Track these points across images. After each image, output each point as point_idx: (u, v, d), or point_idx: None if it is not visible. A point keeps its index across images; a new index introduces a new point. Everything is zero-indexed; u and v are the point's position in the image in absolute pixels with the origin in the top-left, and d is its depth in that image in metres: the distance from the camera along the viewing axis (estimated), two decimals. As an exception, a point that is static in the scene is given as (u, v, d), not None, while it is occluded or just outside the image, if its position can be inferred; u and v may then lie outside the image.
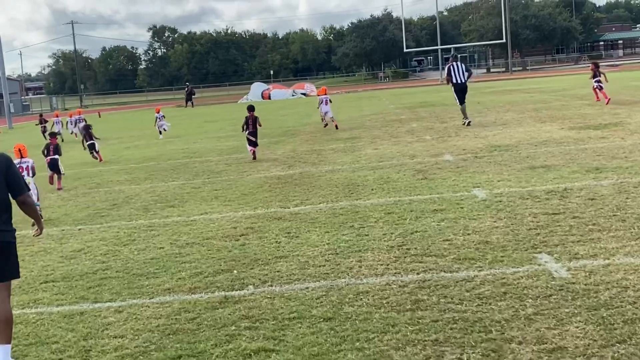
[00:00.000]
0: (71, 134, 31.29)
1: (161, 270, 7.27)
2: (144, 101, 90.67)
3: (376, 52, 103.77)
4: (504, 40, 71.99)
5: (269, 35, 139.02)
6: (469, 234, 7.54)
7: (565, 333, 4.78)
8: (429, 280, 6.13)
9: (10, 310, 5.09)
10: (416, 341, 4.85)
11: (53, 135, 15.94)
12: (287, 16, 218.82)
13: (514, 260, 6.50)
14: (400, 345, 4.81)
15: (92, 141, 19.48)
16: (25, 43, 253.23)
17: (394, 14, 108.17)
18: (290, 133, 23.18)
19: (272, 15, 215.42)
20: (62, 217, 11.06)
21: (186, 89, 64.40)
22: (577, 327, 4.86)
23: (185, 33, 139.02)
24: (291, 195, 11.06)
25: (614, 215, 7.85)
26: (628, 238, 6.90)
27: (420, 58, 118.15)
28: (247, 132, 16.33)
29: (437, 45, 74.89)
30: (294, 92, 65.90)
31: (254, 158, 16.17)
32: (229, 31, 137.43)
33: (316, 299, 5.91)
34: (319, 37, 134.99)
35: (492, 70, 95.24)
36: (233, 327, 5.43)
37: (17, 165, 11.03)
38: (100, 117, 44.03)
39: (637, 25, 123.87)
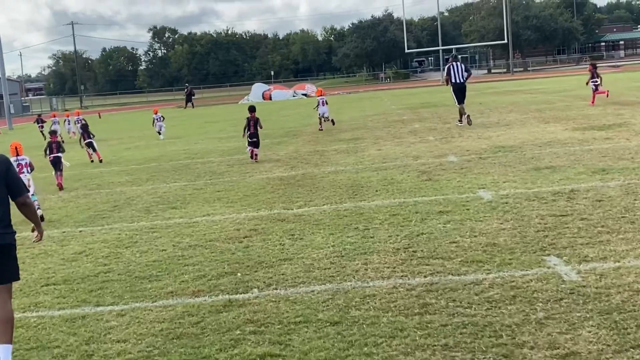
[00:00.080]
0: (68, 133, 31.20)
1: (164, 273, 7.17)
2: (144, 102, 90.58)
3: (377, 52, 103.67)
4: (505, 41, 71.92)
5: (269, 36, 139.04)
6: (475, 236, 7.44)
7: (577, 338, 4.68)
8: (436, 283, 6.03)
9: (11, 311, 5.04)
10: (425, 346, 4.75)
11: (53, 133, 15.88)
12: (287, 17, 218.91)
13: (523, 262, 6.40)
14: (409, 350, 4.71)
15: (90, 140, 19.41)
16: (26, 44, 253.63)
17: (395, 15, 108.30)
18: (292, 134, 23.09)
19: (272, 16, 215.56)
20: (63, 218, 10.96)
21: (186, 89, 64.33)
22: (589, 332, 4.76)
23: (186, 34, 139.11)
24: (294, 196, 10.96)
25: (622, 217, 7.74)
26: (638, 240, 6.79)
27: (421, 59, 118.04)
28: (247, 133, 16.23)
29: (438, 45, 74.83)
30: (294, 92, 65.84)
31: (254, 159, 16.02)
32: (229, 32, 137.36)
33: (322, 302, 5.81)
34: (320, 38, 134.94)
35: (493, 71, 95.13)
36: (238, 332, 5.33)
37: (16, 163, 11.10)
38: (100, 117, 43.97)
39: (639, 26, 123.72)
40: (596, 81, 23.44)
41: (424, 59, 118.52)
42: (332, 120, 24.06)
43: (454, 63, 20.44)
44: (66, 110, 60.05)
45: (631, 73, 50.78)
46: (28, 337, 5.64)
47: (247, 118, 16.45)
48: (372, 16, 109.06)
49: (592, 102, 23.12)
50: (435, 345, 4.74)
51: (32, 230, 5.52)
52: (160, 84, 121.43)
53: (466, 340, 4.79)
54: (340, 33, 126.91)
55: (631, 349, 4.45)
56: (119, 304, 6.27)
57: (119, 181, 14.83)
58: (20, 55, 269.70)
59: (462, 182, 10.80)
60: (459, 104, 20.22)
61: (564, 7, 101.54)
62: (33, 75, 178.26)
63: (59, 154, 14.77)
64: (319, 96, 24.24)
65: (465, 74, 20.19)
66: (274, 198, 10.99)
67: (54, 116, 32.89)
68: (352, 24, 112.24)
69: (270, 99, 63.31)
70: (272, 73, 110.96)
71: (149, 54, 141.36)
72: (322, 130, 22.94)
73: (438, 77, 71.18)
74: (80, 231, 9.79)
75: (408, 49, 74.32)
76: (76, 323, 5.87)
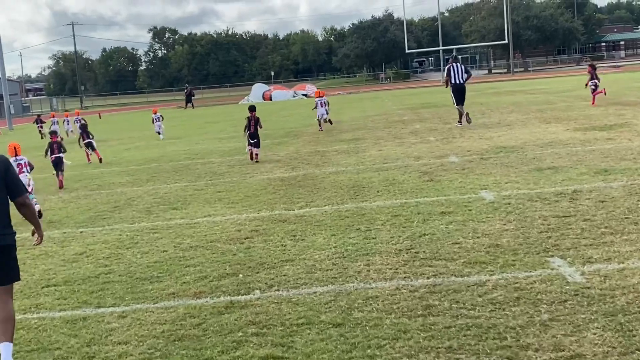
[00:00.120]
0: (67, 133, 31.19)
1: (165, 274, 7.13)
2: (145, 102, 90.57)
3: (377, 53, 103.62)
4: (506, 41, 71.90)
5: (269, 36, 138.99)
6: (478, 237, 7.40)
7: (582, 340, 4.64)
8: (439, 284, 5.99)
9: (12, 311, 5.06)
10: (429, 348, 4.71)
11: (54, 133, 15.87)
12: (287, 17, 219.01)
13: (526, 264, 6.36)
14: (412, 352, 4.68)
15: (89, 140, 19.37)
16: (26, 44, 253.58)
17: (395, 15, 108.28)
18: (292, 134, 23.05)
19: (272, 17, 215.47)
20: (64, 219, 10.92)
21: (185, 90, 64.29)
22: (594, 334, 4.72)
23: (186, 34, 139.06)
24: (295, 197, 10.92)
25: (625, 217, 7.70)
26: (642, 241, 6.75)
27: (421, 59, 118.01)
28: (247, 133, 16.22)
29: (438, 46, 74.80)
30: (295, 93, 65.80)
31: (254, 159, 15.99)
32: (229, 32, 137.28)
33: (324, 304, 5.77)
34: (320, 38, 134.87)
35: (493, 71, 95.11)
36: (240, 333, 5.29)
37: (15, 163, 11.10)
38: (100, 118, 43.98)
39: (639, 26, 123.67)
40: (595, 82, 23.44)
41: (424, 59, 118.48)
42: (330, 120, 24.13)
43: (454, 64, 20.52)
44: (66, 111, 60.02)
45: (632, 73, 50.72)
46: (29, 339, 5.60)
47: (248, 117, 16.42)
48: (372, 16, 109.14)
49: (593, 103, 23.07)
50: (439, 348, 4.70)
51: (32, 234, 5.47)
52: (161, 85, 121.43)
53: (470, 342, 4.75)
54: (341, 33, 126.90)
55: (637, 351, 4.41)
56: (120, 306, 6.24)
57: (119, 182, 14.79)
58: (21, 55, 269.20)
59: (463, 182, 10.76)
60: (457, 104, 20.27)
61: (564, 7, 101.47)
62: (33, 76, 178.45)
63: (61, 155, 14.77)
64: (317, 97, 24.37)
65: (465, 75, 20.21)
66: (275, 199, 10.95)
67: (53, 116, 32.90)
68: (352, 24, 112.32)
69: (271, 99, 63.28)
70: (272, 73, 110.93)
71: (149, 55, 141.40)
72: (321, 131, 22.91)
73: (438, 77, 71.14)
74: (81, 232, 9.75)
75: (408, 49, 74.30)
76: (77, 325, 5.83)
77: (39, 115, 35.48)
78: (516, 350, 4.57)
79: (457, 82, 20.04)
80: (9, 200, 5.13)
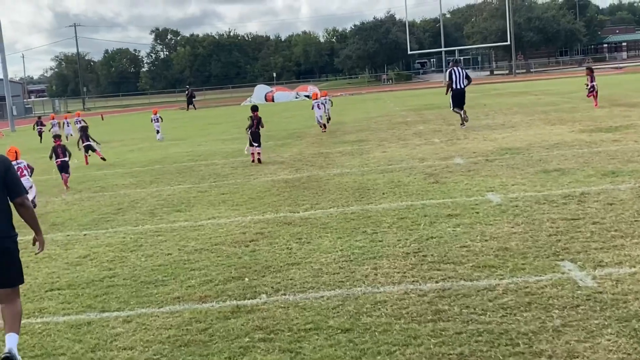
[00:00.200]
0: (66, 137, 31.09)
1: (170, 277, 7.05)
2: (147, 104, 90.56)
3: (379, 54, 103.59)
4: (508, 43, 71.80)
5: (271, 37, 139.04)
6: (486, 240, 7.31)
7: (597, 346, 4.56)
8: (448, 289, 5.90)
9: (19, 307, 5.17)
10: (441, 355, 4.63)
11: (58, 137, 15.84)
12: (289, 18, 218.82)
13: (536, 268, 6.27)
14: (424, 359, 4.59)
15: (88, 142, 19.31)
16: (28, 46, 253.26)
17: (397, 16, 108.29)
18: (295, 135, 22.98)
19: (274, 18, 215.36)
20: (67, 221, 10.85)
21: (187, 92, 64.24)
22: (608, 340, 4.63)
23: (188, 36, 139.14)
24: (300, 199, 10.84)
25: (635, 220, 7.61)
26: (653, 245, 6.67)
27: (423, 60, 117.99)
28: (249, 132, 16.24)
29: (440, 47, 74.72)
30: (297, 94, 65.71)
31: (257, 161, 15.95)
32: (231, 34, 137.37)
33: (332, 308, 5.68)
34: (322, 40, 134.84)
35: (495, 72, 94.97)
36: (247, 339, 5.21)
37: (16, 167, 11.05)
38: (103, 119, 43.96)
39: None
40: (593, 85, 23.51)
41: (426, 60, 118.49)
42: (323, 125, 23.70)
43: (455, 68, 20.68)
44: (68, 112, 59.98)
45: (635, 75, 50.60)
46: (33, 344, 5.53)
47: (251, 117, 16.47)
48: (374, 18, 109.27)
49: (596, 104, 23.00)
50: (450, 354, 4.61)
51: (33, 243, 5.38)
52: (163, 86, 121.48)
53: (482, 348, 4.66)
54: (342, 35, 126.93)
55: (653, 358, 4.32)
56: (125, 310, 6.16)
57: (122, 183, 14.72)
58: (23, 57, 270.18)
59: (469, 184, 10.67)
60: (454, 108, 20.37)
61: (566, 8, 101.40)
62: (35, 77, 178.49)
63: (66, 159, 14.75)
64: (313, 100, 24.42)
65: (465, 81, 20.31)
66: (280, 201, 10.87)
67: (53, 118, 32.84)
68: (354, 25, 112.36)
69: (273, 100, 63.23)
70: (274, 75, 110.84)
71: (151, 56, 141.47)
72: (324, 132, 22.82)
73: (440, 78, 71.12)
74: (85, 235, 9.67)
75: (410, 50, 74.26)
76: (82, 329, 5.75)
77: (39, 117, 35.43)
78: (529, 357, 4.49)
79: (458, 87, 20.12)
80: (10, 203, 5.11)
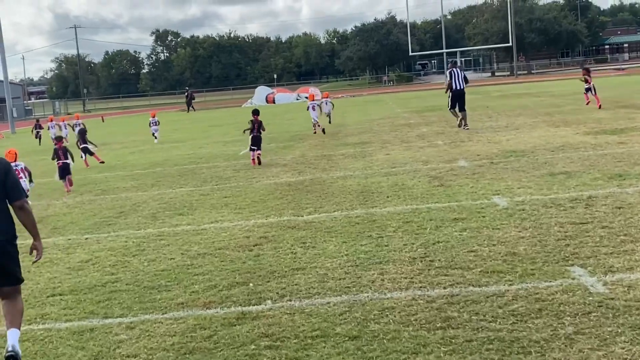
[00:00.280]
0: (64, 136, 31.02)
1: (173, 282, 6.95)
2: (147, 105, 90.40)
3: (380, 55, 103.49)
4: (509, 44, 71.72)
5: (272, 39, 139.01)
6: (494, 245, 7.21)
7: (611, 355, 4.46)
8: (457, 295, 5.80)
9: (20, 304, 5.19)
10: (451, 363, 4.53)
11: (59, 139, 15.78)
12: (290, 20, 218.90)
13: (546, 273, 6.17)
14: (434, 368, 4.49)
15: (85, 145, 19.23)
16: (28, 47, 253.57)
17: (398, 18, 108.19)
18: (297, 138, 22.88)
19: (275, 19, 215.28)
20: (68, 225, 10.75)
21: (186, 93, 64.16)
22: (622, 348, 4.53)
23: (188, 37, 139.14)
24: (304, 202, 10.74)
25: (644, 224, 7.51)
26: (664, 249, 6.56)
27: (424, 62, 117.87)
28: (250, 135, 16.20)
29: (441, 48, 74.68)
30: (298, 96, 65.60)
31: (258, 163, 15.89)
32: (232, 35, 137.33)
33: (339, 315, 5.58)
34: (322, 41, 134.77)
35: (497, 73, 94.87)
36: (253, 346, 5.11)
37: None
38: (103, 121, 43.86)
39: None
40: (589, 86, 23.49)
41: (427, 61, 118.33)
42: (316, 125, 23.69)
43: (454, 69, 21.02)
44: (68, 114, 59.88)
45: (638, 76, 50.47)
46: (34, 352, 5.43)
47: (251, 121, 16.46)
48: (375, 19, 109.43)
49: (599, 105, 22.90)
50: (461, 363, 4.52)
51: (31, 252, 5.29)
52: (163, 88, 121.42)
53: (493, 357, 4.56)
54: (343, 36, 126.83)
55: (669, 368, 4.23)
56: (128, 316, 6.06)
57: (124, 186, 14.62)
58: (23, 58, 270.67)
59: (475, 187, 10.57)
60: (451, 109, 20.58)
61: (567, 9, 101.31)
62: (36, 79, 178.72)
63: (68, 161, 14.69)
64: (310, 101, 24.44)
65: (463, 83, 20.51)
66: (283, 204, 10.77)
67: (51, 120, 32.76)
68: (355, 26, 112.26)
69: (274, 102, 63.16)
70: (275, 76, 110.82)
71: (152, 57, 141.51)
72: (324, 133, 22.72)
73: (441, 79, 71.00)
74: (86, 238, 9.57)
75: (412, 51, 74.19)
76: (84, 336, 5.66)
77: (37, 120, 35.45)
78: (542, 365, 4.39)
79: (458, 87, 20.34)
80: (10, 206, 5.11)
